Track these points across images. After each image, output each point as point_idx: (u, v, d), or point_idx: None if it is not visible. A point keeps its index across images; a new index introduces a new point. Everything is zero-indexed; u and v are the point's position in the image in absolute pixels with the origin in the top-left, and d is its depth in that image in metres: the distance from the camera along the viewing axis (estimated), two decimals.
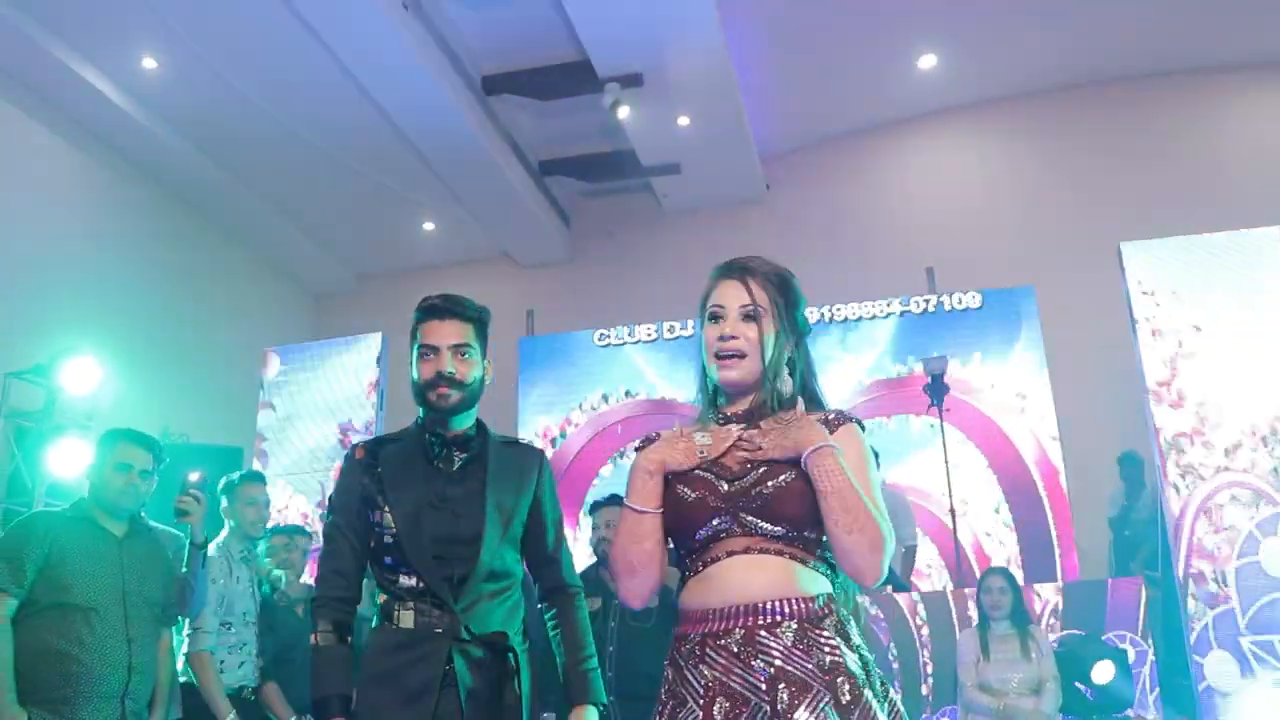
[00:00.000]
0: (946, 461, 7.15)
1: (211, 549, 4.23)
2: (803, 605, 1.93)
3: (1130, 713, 5.80)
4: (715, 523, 2.00)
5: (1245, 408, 5.83)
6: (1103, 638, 5.96)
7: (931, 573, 8.09)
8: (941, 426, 7.14)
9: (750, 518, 1.98)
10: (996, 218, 10.05)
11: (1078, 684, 5.73)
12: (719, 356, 2.09)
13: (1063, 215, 9.71)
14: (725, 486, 2.02)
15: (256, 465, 7.67)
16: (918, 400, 7.72)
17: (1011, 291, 8.62)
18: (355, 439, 7.87)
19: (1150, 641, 6.02)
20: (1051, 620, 6.12)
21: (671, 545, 2.13)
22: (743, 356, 2.08)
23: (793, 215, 10.67)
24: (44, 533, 3.55)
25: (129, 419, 4.64)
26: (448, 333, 2.66)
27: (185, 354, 9.22)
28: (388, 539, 2.57)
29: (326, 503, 2.76)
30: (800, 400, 2.09)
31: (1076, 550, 8.03)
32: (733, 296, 2.11)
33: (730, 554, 1.98)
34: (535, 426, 8.98)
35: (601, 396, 9.06)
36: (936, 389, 7.19)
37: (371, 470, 2.63)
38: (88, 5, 7.84)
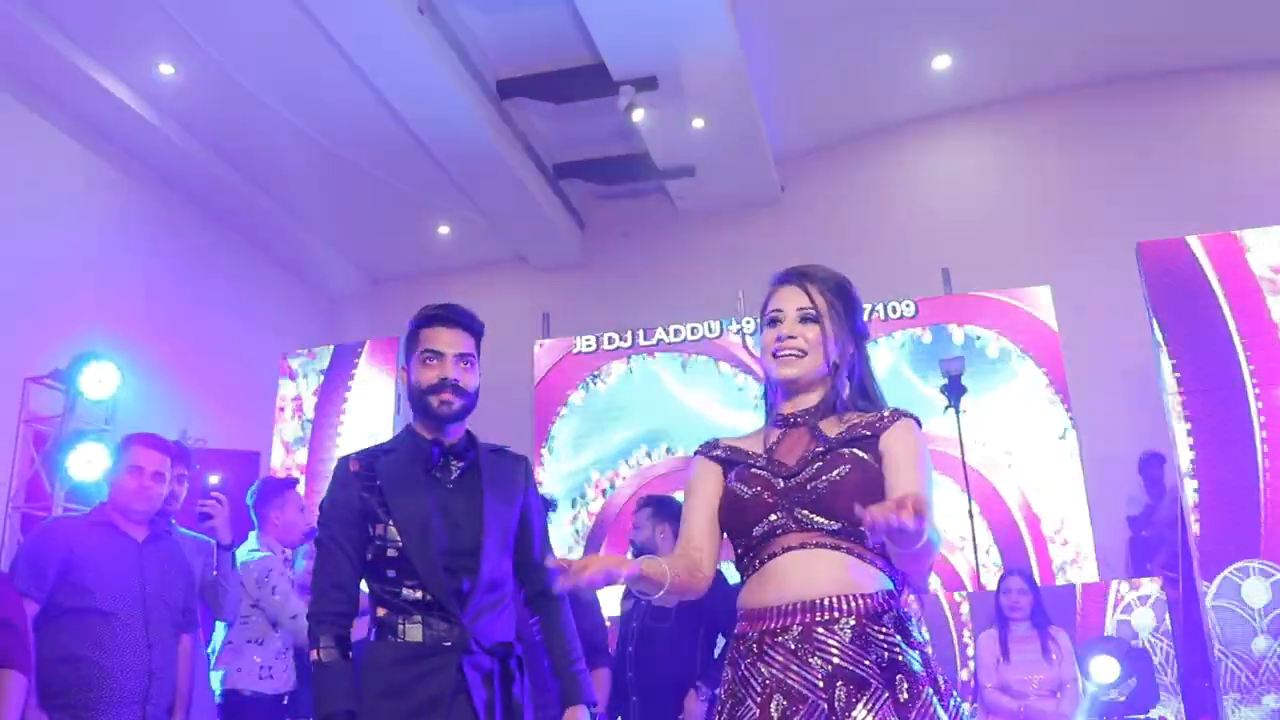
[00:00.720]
0: (964, 462, 7.10)
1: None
2: (861, 601, 1.93)
3: (1152, 713, 5.78)
4: (772, 518, 2.01)
5: None
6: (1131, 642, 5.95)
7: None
8: (959, 426, 7.06)
9: (805, 513, 1.99)
10: (1012, 218, 10.00)
11: (1103, 684, 5.74)
12: (776, 355, 2.12)
13: (1079, 214, 9.66)
14: (781, 483, 2.04)
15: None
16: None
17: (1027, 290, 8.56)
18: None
19: (1172, 642, 6.00)
20: None
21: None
22: (802, 355, 2.11)
23: (807, 217, 10.64)
24: (64, 538, 3.57)
25: (147, 423, 4.64)
26: (452, 340, 2.68)
27: (202, 358, 9.24)
28: (391, 552, 2.55)
29: (317, 516, 2.69)
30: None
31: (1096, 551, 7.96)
32: (791, 300, 2.15)
33: (787, 550, 1.99)
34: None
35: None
36: (954, 389, 7.14)
37: (369, 482, 2.61)
38: (105, 12, 7.88)
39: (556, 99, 9.51)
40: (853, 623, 1.91)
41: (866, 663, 1.87)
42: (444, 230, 11.47)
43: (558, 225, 11.03)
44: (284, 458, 8.03)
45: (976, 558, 7.14)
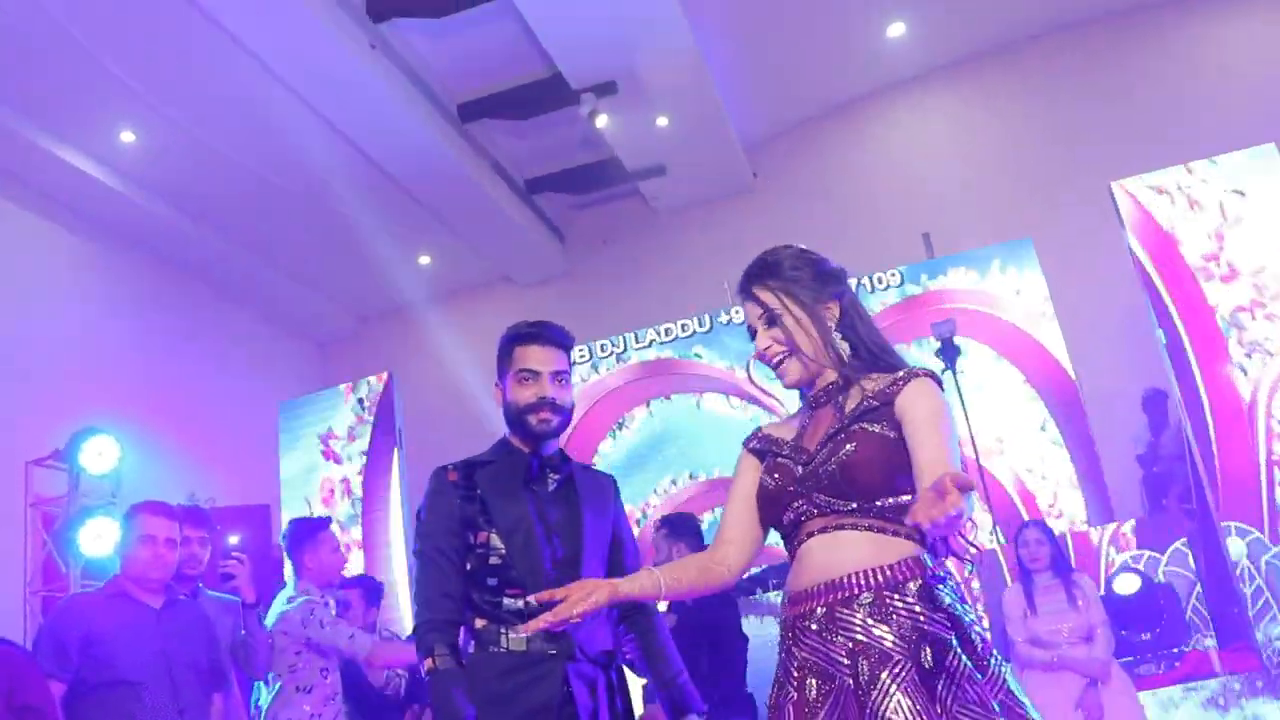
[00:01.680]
0: (969, 421, 7.09)
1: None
2: (880, 575, 1.94)
3: (1185, 646, 5.78)
4: (796, 506, 2.04)
5: None
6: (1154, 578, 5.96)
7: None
8: (958, 388, 7.04)
9: (823, 497, 2.01)
10: (985, 175, 10.01)
11: (1128, 629, 5.74)
12: (771, 367, 2.17)
13: (1050, 163, 9.67)
14: (800, 470, 2.06)
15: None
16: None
17: (1010, 244, 8.55)
18: (338, 446, 7.96)
19: (1195, 578, 6.00)
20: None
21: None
22: (788, 355, 2.13)
23: (783, 200, 10.65)
24: (81, 614, 3.57)
25: (152, 491, 4.65)
26: (547, 358, 2.72)
27: (200, 419, 9.23)
28: (494, 560, 2.57)
29: (416, 526, 2.70)
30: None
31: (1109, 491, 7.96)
32: (752, 312, 2.18)
33: (811, 534, 2.01)
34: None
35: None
36: (948, 353, 7.12)
37: (469, 492, 2.63)
38: (60, 89, 7.87)
39: (519, 115, 9.51)
40: (871, 597, 1.92)
41: (887, 636, 1.88)
42: (425, 260, 11.47)
43: (537, 241, 11.03)
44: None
45: (993, 512, 7.12)
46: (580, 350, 9.19)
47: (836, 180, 10.64)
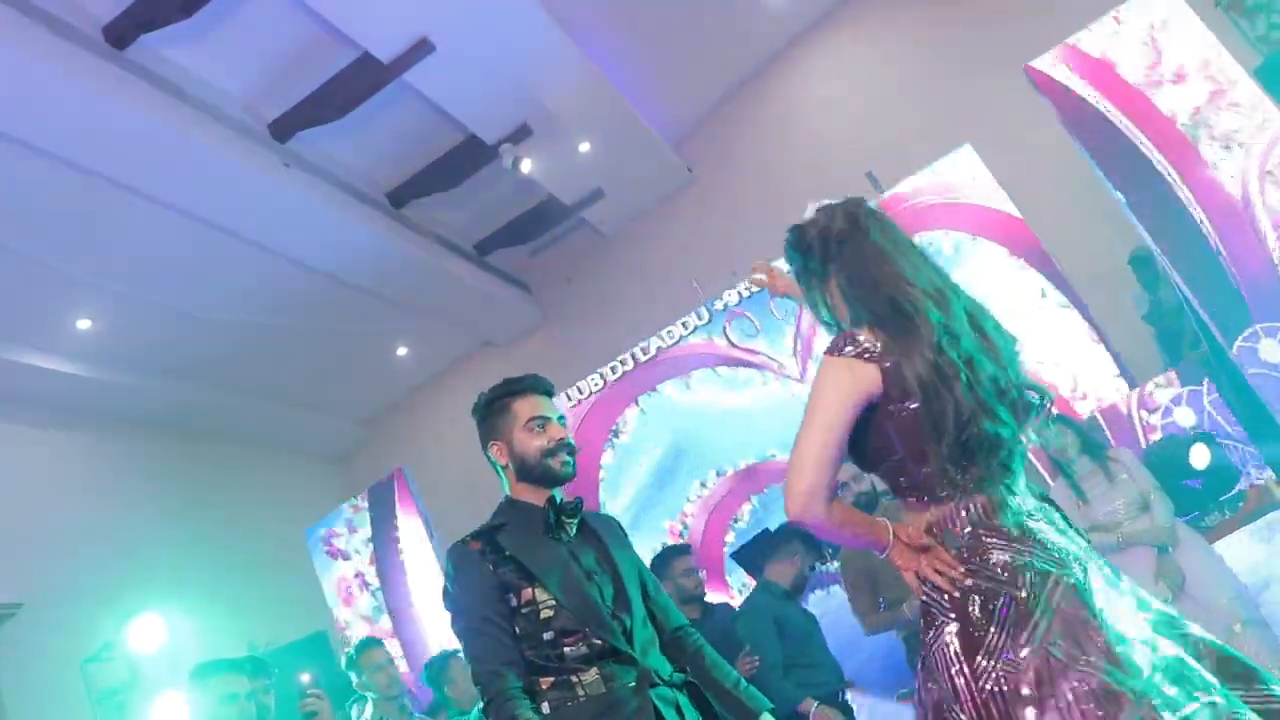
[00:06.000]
0: None
1: None
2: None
3: (1242, 485, 5.75)
4: None
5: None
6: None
7: None
8: None
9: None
10: (907, 98, 10.02)
11: (1184, 482, 5.72)
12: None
13: (966, 65, 9.64)
14: None
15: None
16: None
17: (951, 155, 8.52)
18: (340, 542, 7.93)
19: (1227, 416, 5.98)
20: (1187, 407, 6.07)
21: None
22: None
23: (724, 184, 10.69)
24: None
25: (212, 653, 4.65)
26: (549, 405, 2.79)
27: (237, 566, 9.23)
28: (546, 614, 2.54)
29: (450, 605, 2.66)
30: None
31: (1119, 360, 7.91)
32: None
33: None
34: None
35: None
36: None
37: (499, 555, 2.61)
38: (6, 295, 7.89)
39: (448, 185, 9.55)
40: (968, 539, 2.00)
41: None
42: (402, 351, 11.49)
43: (504, 299, 11.06)
44: (370, 630, 8.00)
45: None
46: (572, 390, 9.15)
47: (770, 148, 10.65)
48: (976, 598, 1.88)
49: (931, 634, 1.92)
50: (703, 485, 8.75)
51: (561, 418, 2.80)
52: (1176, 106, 5.55)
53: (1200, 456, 5.69)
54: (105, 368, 9.05)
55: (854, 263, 2.12)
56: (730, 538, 8.57)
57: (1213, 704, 1.74)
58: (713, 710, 2.65)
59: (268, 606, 8.96)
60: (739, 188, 10.41)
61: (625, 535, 2.88)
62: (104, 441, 9.33)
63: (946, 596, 1.91)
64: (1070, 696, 1.75)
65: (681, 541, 8.23)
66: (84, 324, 8.58)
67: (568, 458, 2.72)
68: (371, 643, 4.96)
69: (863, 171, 9.16)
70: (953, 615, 1.89)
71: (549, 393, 2.83)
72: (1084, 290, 8.02)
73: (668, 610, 2.80)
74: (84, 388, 8.92)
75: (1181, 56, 5.57)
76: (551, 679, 2.52)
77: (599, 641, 2.52)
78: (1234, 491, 5.74)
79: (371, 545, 7.97)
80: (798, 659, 4.72)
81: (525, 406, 2.75)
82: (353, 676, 4.68)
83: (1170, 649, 1.83)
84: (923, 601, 1.97)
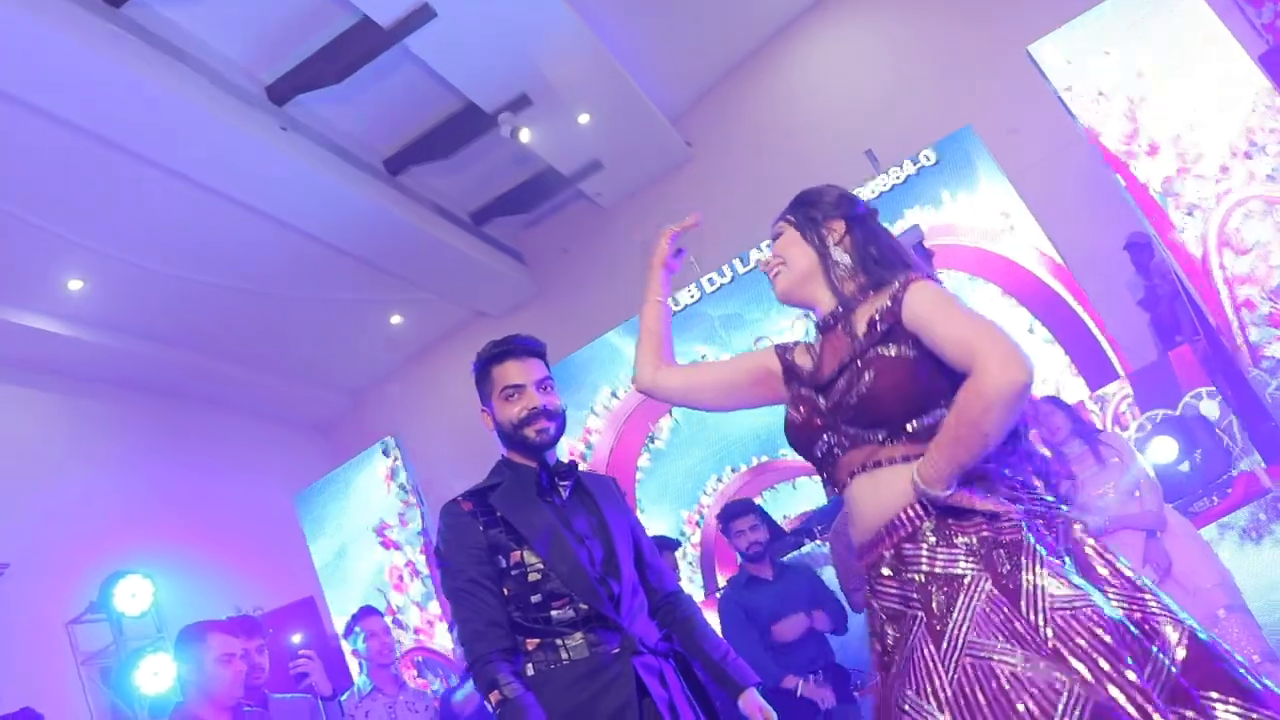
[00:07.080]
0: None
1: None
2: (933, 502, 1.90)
3: (1232, 472, 5.76)
4: (825, 439, 2.03)
5: (1216, 130, 5.72)
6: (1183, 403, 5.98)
7: None
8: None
9: (851, 429, 1.98)
10: (909, 77, 9.96)
11: (1175, 468, 5.74)
12: (771, 280, 2.24)
13: (967, 44, 9.60)
14: (823, 401, 2.04)
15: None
16: None
17: (953, 136, 8.54)
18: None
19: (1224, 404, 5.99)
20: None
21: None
22: (781, 267, 2.20)
23: (723, 159, 10.64)
24: None
25: (194, 615, 4.64)
26: (528, 370, 2.72)
27: (222, 532, 9.21)
28: (533, 576, 2.52)
29: (440, 564, 2.64)
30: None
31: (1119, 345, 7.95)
32: (772, 230, 2.26)
33: (853, 475, 1.99)
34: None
35: (610, 394, 9.16)
36: (923, 257, 7.12)
37: (489, 516, 2.59)
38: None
39: (445, 153, 9.50)
40: (932, 525, 1.89)
41: (957, 556, 1.85)
42: (396, 320, 11.45)
43: (499, 269, 11.02)
44: (420, 616, 8.13)
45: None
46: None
47: (769, 124, 10.61)
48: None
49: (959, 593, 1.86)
50: (719, 480, 8.89)
51: (544, 380, 2.72)
52: (1151, 174, 5.85)
53: (1163, 451, 5.73)
54: (95, 329, 8.99)
55: (870, 228, 2.17)
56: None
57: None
58: (698, 681, 2.63)
59: (255, 571, 8.96)
60: (737, 163, 10.37)
61: (622, 497, 2.83)
62: (92, 404, 9.30)
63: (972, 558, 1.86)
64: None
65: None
66: (75, 285, 8.53)
67: (545, 424, 2.65)
68: (369, 610, 4.95)
69: (862, 150, 9.13)
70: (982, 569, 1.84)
71: (534, 353, 2.75)
72: (1080, 274, 8.05)
73: (662, 575, 2.77)
74: (74, 349, 8.87)
75: (1154, 132, 5.86)
76: (537, 640, 2.51)
77: (585, 606, 2.50)
78: (1225, 477, 5.74)
79: (422, 538, 8.12)
80: (776, 640, 4.73)
81: (502, 373, 2.70)
82: (345, 645, 4.68)
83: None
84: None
